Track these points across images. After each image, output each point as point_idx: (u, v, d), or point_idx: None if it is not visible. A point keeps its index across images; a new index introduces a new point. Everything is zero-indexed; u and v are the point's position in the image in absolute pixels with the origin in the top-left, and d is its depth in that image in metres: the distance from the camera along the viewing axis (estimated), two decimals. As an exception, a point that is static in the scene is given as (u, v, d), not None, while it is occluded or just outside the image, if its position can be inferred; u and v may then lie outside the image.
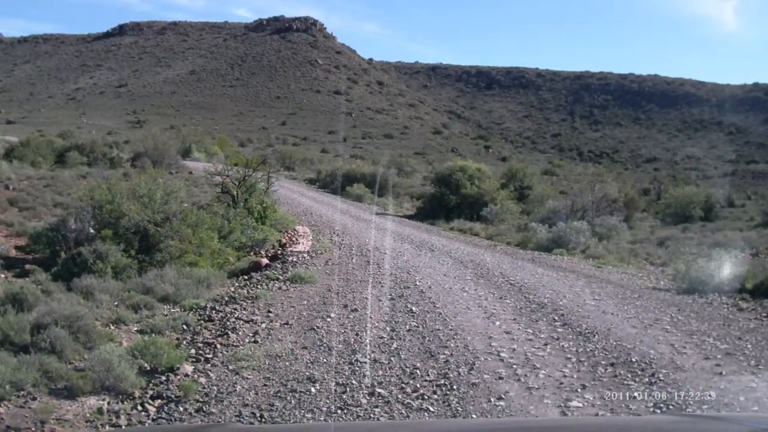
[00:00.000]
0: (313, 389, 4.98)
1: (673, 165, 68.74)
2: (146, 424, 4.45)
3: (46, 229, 9.28)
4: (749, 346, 6.44)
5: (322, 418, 4.51)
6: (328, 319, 7.02)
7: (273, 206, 14.55)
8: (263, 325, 6.74)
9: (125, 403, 4.77)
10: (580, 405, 4.75)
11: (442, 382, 5.19)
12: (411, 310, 7.56)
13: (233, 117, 78.60)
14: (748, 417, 3.47)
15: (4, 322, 5.56)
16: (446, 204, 20.13)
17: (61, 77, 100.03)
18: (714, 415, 4.06)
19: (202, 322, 6.96)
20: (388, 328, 6.73)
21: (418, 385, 5.10)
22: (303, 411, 4.60)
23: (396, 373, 5.38)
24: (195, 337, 6.41)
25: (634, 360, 5.82)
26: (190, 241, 9.36)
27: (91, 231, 8.76)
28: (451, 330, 6.74)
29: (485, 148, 72.90)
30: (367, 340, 6.24)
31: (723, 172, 56.70)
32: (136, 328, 6.60)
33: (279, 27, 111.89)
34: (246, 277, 9.41)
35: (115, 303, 7.23)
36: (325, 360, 5.66)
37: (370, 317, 7.10)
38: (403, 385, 5.10)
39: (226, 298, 7.99)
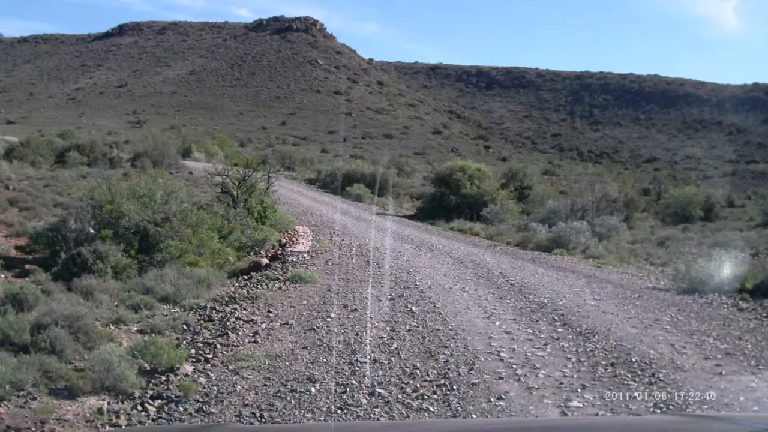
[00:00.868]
0: (313, 389, 4.98)
1: (673, 165, 68.65)
2: (146, 424, 4.45)
3: (46, 229, 9.28)
4: (749, 346, 6.44)
5: (322, 418, 4.51)
6: (328, 319, 7.02)
7: (273, 206, 14.56)
8: (263, 325, 6.73)
9: (125, 403, 4.77)
10: (580, 405, 4.75)
11: (442, 382, 5.19)
12: (411, 310, 7.56)
13: (233, 117, 78.59)
14: (748, 417, 3.47)
15: (4, 322, 5.56)
16: (446, 204, 20.13)
17: (61, 77, 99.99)
18: (714, 415, 4.06)
19: (202, 322, 6.96)
20: (388, 328, 6.73)
21: (418, 385, 5.10)
22: (303, 411, 4.60)
23: (396, 373, 5.38)
24: (195, 337, 6.41)
25: (634, 360, 5.82)
26: (190, 241, 9.36)
27: (91, 231, 8.76)
28: (451, 330, 6.74)
29: (485, 148, 72.89)
30: (367, 340, 6.24)
31: (723, 172, 56.65)
32: (136, 328, 6.61)
33: (279, 27, 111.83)
34: (246, 277, 9.41)
35: (115, 303, 7.23)
36: (325, 360, 5.66)
37: (370, 317, 7.10)
38: (403, 385, 5.09)
39: (226, 298, 7.99)
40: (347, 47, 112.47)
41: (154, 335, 6.16)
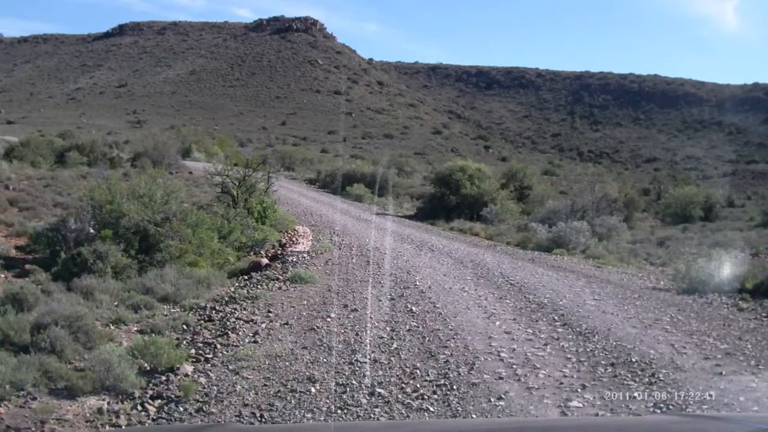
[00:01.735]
0: (313, 389, 4.98)
1: (673, 165, 68.64)
2: (146, 424, 4.45)
3: (46, 229, 9.28)
4: (749, 346, 6.44)
5: (322, 418, 4.51)
6: (328, 319, 7.02)
7: (273, 206, 14.55)
8: (263, 325, 6.74)
9: (125, 403, 4.77)
10: (580, 405, 4.75)
11: (442, 382, 5.19)
12: (411, 310, 7.56)
13: (233, 117, 78.58)
14: (748, 417, 3.47)
15: (4, 322, 5.56)
16: (446, 204, 20.12)
17: (61, 77, 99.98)
18: (714, 415, 4.06)
19: (202, 322, 6.96)
20: (388, 328, 6.73)
21: (418, 385, 5.10)
22: (303, 411, 4.60)
23: (396, 373, 5.38)
24: (195, 337, 6.41)
25: (634, 360, 5.82)
26: (190, 241, 9.36)
27: (91, 231, 8.76)
28: (451, 330, 6.74)
29: (485, 148, 72.87)
30: (367, 340, 6.24)
31: (723, 172, 56.62)
32: (136, 328, 6.61)
33: (279, 27, 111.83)
34: (246, 277, 9.42)
35: (115, 303, 7.23)
36: (325, 360, 5.66)
37: (370, 317, 7.10)
38: (403, 385, 5.09)
39: (226, 298, 7.99)
40: (347, 47, 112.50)
41: (154, 335, 6.17)
